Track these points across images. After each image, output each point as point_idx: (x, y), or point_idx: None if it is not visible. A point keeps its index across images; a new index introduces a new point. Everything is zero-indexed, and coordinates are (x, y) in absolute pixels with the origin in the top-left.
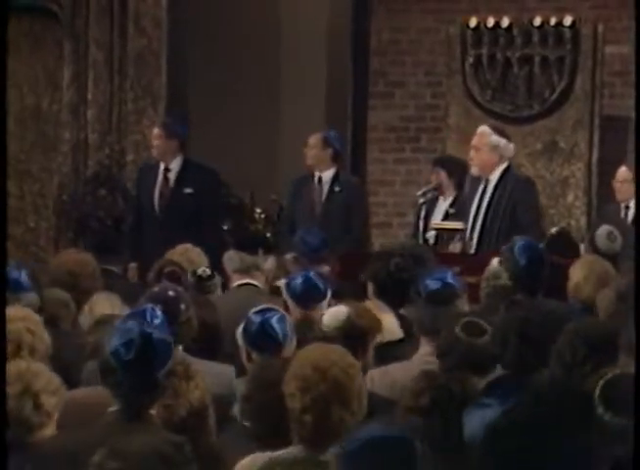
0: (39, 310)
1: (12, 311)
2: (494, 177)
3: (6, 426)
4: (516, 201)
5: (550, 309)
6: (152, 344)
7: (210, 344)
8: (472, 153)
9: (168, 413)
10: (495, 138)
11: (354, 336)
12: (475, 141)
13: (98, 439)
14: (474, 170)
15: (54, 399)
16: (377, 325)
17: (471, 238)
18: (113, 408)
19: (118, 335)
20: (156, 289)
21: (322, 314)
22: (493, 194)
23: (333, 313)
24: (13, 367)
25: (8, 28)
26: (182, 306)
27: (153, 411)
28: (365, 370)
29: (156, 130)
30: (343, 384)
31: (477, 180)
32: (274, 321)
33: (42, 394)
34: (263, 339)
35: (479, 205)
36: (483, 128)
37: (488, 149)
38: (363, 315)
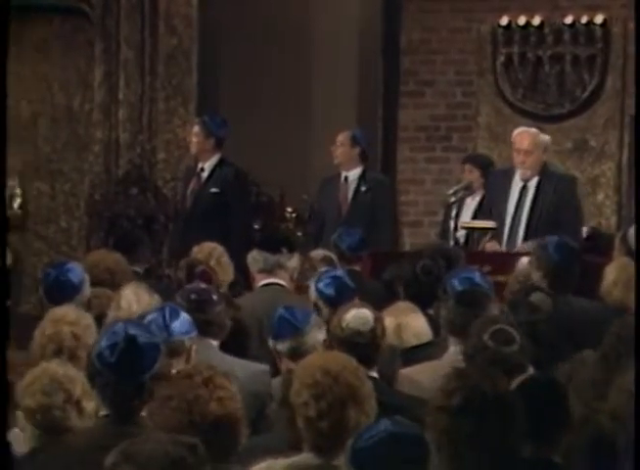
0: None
1: (62, 312)
2: (536, 177)
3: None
4: (559, 199)
5: (581, 308)
6: (136, 347)
7: (241, 343)
8: (521, 157)
9: (196, 416)
10: (544, 137)
11: (375, 342)
12: (525, 144)
13: (93, 442)
14: (525, 174)
15: (92, 403)
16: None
17: (514, 238)
18: (102, 412)
19: (105, 337)
20: (189, 286)
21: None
22: (536, 193)
23: (359, 317)
24: (42, 370)
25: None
26: (215, 298)
27: (143, 414)
28: (393, 377)
29: (195, 128)
30: (356, 386)
31: (503, 178)
32: (297, 311)
33: (83, 399)
34: (283, 325)
35: (519, 204)
36: (529, 130)
37: (541, 150)
38: (381, 322)
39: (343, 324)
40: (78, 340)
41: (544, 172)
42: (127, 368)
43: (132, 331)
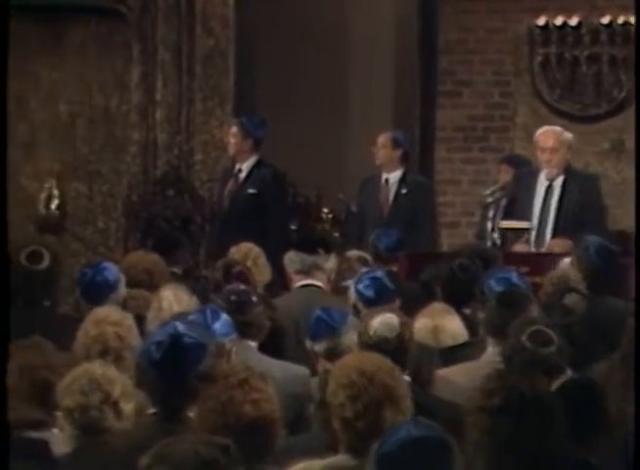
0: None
1: (104, 312)
2: (561, 176)
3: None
4: (585, 199)
5: (617, 309)
6: (180, 346)
7: (277, 344)
8: (546, 155)
9: (230, 418)
10: (568, 135)
11: (403, 347)
12: (550, 143)
13: (138, 441)
14: (551, 173)
15: (131, 404)
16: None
17: (542, 238)
18: (150, 411)
19: (153, 335)
20: (228, 287)
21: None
22: (562, 192)
23: (385, 322)
24: (83, 370)
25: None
26: (254, 299)
27: (191, 414)
28: (430, 378)
29: (233, 129)
30: (392, 386)
31: (529, 178)
32: (334, 312)
33: (121, 400)
34: (320, 325)
35: (544, 204)
36: (553, 128)
37: (566, 148)
38: (409, 326)
39: (371, 332)
40: (123, 340)
41: (569, 171)
42: (171, 366)
43: (181, 329)
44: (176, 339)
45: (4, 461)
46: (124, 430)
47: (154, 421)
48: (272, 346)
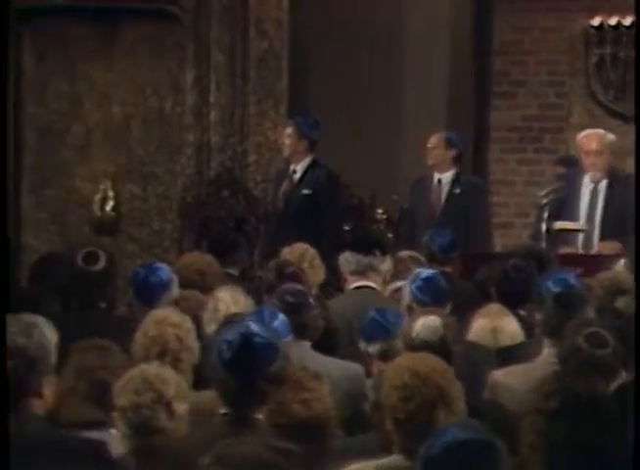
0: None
1: (164, 313)
2: (605, 178)
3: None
4: (629, 200)
5: None
6: (251, 346)
7: (331, 345)
8: (591, 158)
9: (283, 418)
10: (610, 137)
11: (446, 349)
12: (594, 146)
13: (206, 441)
14: (596, 176)
15: (185, 405)
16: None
17: (590, 240)
18: (222, 411)
19: (225, 334)
20: (284, 287)
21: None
22: (608, 194)
23: (428, 325)
24: (138, 371)
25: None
26: (311, 301)
27: (260, 416)
28: (485, 378)
29: (288, 129)
30: (445, 387)
31: (573, 181)
32: (388, 314)
33: (174, 401)
34: (375, 327)
35: (591, 206)
36: (596, 131)
37: (609, 150)
38: (452, 328)
39: (413, 334)
40: (182, 342)
41: (612, 173)
42: (240, 366)
43: (253, 329)
44: (247, 338)
45: (4, 461)
46: (191, 431)
47: (224, 422)
48: (325, 346)
